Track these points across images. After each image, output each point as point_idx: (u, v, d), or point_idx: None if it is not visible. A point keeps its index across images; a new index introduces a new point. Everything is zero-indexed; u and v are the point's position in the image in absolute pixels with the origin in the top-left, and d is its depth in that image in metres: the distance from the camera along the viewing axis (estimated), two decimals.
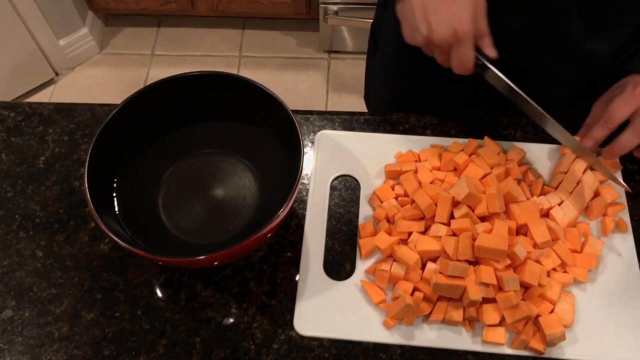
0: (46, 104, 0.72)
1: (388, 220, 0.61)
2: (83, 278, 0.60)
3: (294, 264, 0.60)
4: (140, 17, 2.02)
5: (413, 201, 0.60)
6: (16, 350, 0.56)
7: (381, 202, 0.62)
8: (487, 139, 0.65)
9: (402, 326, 0.56)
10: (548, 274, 0.56)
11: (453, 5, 0.54)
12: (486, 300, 0.54)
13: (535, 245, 0.57)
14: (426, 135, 0.69)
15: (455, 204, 0.58)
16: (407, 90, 0.83)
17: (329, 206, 0.64)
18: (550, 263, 0.56)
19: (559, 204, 0.60)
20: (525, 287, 0.55)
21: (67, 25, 1.81)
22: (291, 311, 0.57)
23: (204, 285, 0.59)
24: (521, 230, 0.58)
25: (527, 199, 0.60)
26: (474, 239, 0.54)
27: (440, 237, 0.56)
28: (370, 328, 0.56)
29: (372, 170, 0.66)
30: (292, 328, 0.57)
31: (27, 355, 0.56)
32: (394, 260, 0.57)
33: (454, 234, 0.56)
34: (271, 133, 0.63)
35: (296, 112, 0.69)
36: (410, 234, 0.58)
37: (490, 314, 0.54)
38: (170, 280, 0.60)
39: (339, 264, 0.61)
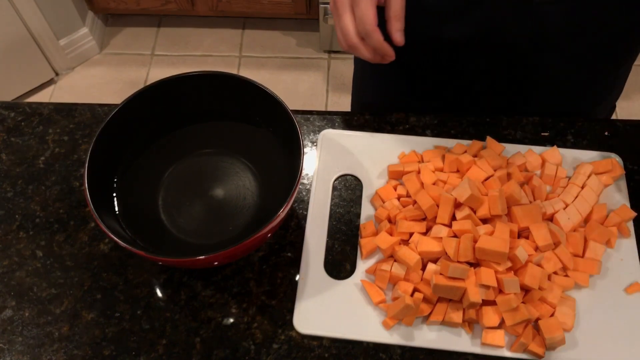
0: (46, 104, 0.72)
1: (390, 221, 0.61)
2: (83, 278, 0.60)
3: (294, 264, 0.60)
4: (140, 17, 2.02)
5: (415, 202, 0.60)
6: (16, 350, 0.56)
7: (383, 202, 0.62)
8: (489, 139, 0.65)
9: (402, 327, 0.56)
10: (549, 278, 0.56)
11: None
12: (486, 303, 0.54)
13: (536, 249, 0.57)
14: (426, 135, 0.69)
15: (457, 205, 0.58)
16: (374, 95, 0.85)
17: (331, 206, 0.64)
18: (551, 267, 0.56)
19: (564, 208, 0.60)
20: (526, 290, 0.55)
21: (67, 25, 1.81)
22: (291, 311, 0.57)
23: (204, 285, 0.59)
24: (523, 233, 0.58)
25: (530, 202, 0.60)
26: (475, 241, 0.54)
27: (441, 238, 0.56)
28: (370, 328, 0.56)
29: (375, 171, 0.66)
30: (292, 328, 0.57)
31: (27, 355, 0.56)
32: (395, 261, 0.57)
33: (455, 236, 0.56)
34: (271, 133, 0.63)
35: (296, 112, 0.69)
36: (411, 234, 0.58)
37: (490, 317, 0.54)
38: (170, 280, 0.60)
39: (339, 264, 0.61)
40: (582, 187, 0.62)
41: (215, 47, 1.96)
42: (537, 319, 0.55)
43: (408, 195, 0.62)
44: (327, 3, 1.67)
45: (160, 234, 0.59)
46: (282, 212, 0.52)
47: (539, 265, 0.56)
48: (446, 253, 0.55)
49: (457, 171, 0.63)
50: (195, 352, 0.56)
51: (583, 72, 0.71)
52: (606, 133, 0.69)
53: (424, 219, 0.59)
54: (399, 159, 0.66)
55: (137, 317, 0.57)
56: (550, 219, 0.60)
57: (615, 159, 0.65)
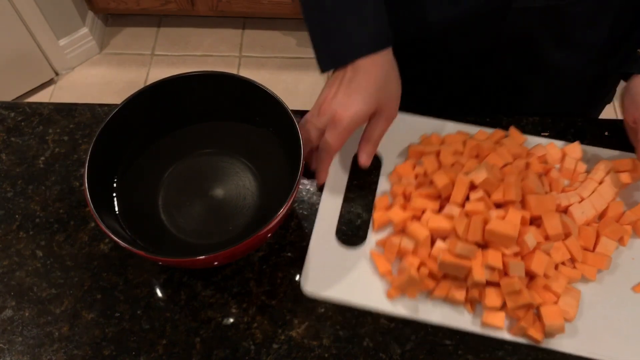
0: (46, 104, 0.72)
1: (404, 197, 0.61)
2: (83, 278, 0.60)
3: (294, 264, 0.60)
4: (140, 17, 2.02)
5: (431, 182, 0.60)
6: (16, 350, 0.56)
7: (400, 179, 0.63)
8: (512, 129, 0.66)
9: (405, 300, 0.57)
10: (556, 267, 0.56)
11: (355, 95, 0.55)
12: (490, 284, 0.55)
13: (547, 238, 0.57)
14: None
15: (472, 188, 0.58)
16: None
17: (349, 178, 0.64)
18: (559, 256, 0.56)
19: (579, 202, 0.60)
20: (531, 276, 0.56)
21: (67, 25, 1.81)
22: (291, 311, 0.57)
23: (204, 285, 0.59)
24: (535, 222, 0.58)
25: (545, 193, 0.60)
26: (486, 223, 0.55)
27: (452, 216, 0.56)
28: (374, 297, 0.57)
29: (397, 149, 0.66)
30: (292, 328, 0.57)
31: (27, 355, 0.56)
32: (405, 235, 0.58)
33: (467, 216, 0.57)
34: (271, 133, 0.63)
35: (296, 112, 0.69)
36: (424, 211, 0.59)
37: (493, 298, 0.54)
38: (170, 280, 0.60)
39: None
40: (600, 183, 0.61)
41: (215, 47, 1.96)
42: (539, 306, 0.55)
43: (425, 175, 0.62)
44: None
45: (160, 234, 0.59)
46: (282, 212, 0.52)
47: (547, 253, 0.56)
48: (456, 231, 0.56)
49: (477, 157, 0.63)
50: (195, 352, 0.56)
51: (595, 66, 0.71)
52: (606, 133, 0.69)
53: (438, 198, 0.60)
54: (421, 140, 0.66)
55: (137, 317, 0.57)
56: (565, 211, 0.60)
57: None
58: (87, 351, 0.56)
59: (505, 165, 0.60)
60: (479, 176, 0.56)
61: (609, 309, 0.57)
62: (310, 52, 1.92)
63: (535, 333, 0.54)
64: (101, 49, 1.96)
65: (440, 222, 0.56)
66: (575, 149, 0.65)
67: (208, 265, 0.58)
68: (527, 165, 0.61)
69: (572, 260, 0.58)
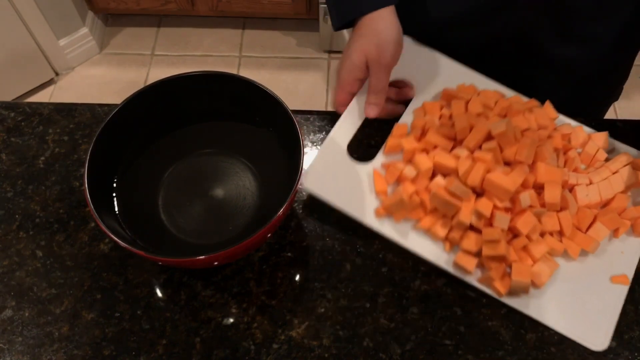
0: (46, 104, 0.72)
1: (422, 131, 0.62)
2: (83, 278, 0.60)
3: (294, 264, 0.60)
4: (140, 17, 2.02)
5: (452, 125, 0.61)
6: (16, 350, 0.56)
7: (425, 114, 0.64)
8: (547, 104, 0.66)
9: (391, 222, 0.59)
10: (542, 235, 0.57)
11: (347, 50, 0.61)
12: (473, 230, 0.56)
13: (543, 206, 0.57)
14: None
15: (488, 138, 0.59)
16: None
17: None
18: (549, 225, 0.57)
19: (587, 185, 0.60)
20: (515, 234, 0.56)
21: (67, 25, 1.81)
22: (291, 311, 0.57)
23: (204, 285, 0.59)
24: (537, 190, 0.58)
25: (557, 167, 0.60)
26: (489, 172, 0.56)
27: (459, 157, 0.57)
28: (366, 211, 0.59)
29: (433, 90, 0.67)
30: (292, 328, 0.57)
31: (27, 355, 0.56)
32: (410, 164, 0.60)
33: (473, 161, 0.58)
34: (271, 133, 0.63)
35: (296, 112, 0.69)
36: (435, 147, 0.60)
37: (471, 241, 0.56)
38: (170, 280, 0.60)
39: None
40: (614, 173, 0.61)
41: (215, 47, 1.96)
42: (512, 263, 0.56)
43: (450, 118, 0.63)
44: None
45: (160, 234, 0.59)
46: (282, 212, 0.52)
47: (537, 218, 0.56)
48: (457, 172, 0.57)
49: (505, 116, 0.63)
50: (195, 352, 0.56)
51: (602, 62, 0.70)
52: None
53: (453, 140, 0.61)
54: (458, 87, 0.67)
55: (137, 317, 0.57)
56: (571, 190, 0.60)
57: None
58: (87, 351, 0.56)
59: (528, 129, 0.61)
60: (498, 127, 0.57)
61: (582, 289, 0.57)
62: (310, 52, 1.93)
63: (500, 286, 0.55)
64: (101, 49, 1.96)
65: (445, 159, 0.58)
66: (602, 138, 0.65)
67: (208, 265, 0.58)
68: (549, 137, 0.62)
69: (561, 234, 0.58)
